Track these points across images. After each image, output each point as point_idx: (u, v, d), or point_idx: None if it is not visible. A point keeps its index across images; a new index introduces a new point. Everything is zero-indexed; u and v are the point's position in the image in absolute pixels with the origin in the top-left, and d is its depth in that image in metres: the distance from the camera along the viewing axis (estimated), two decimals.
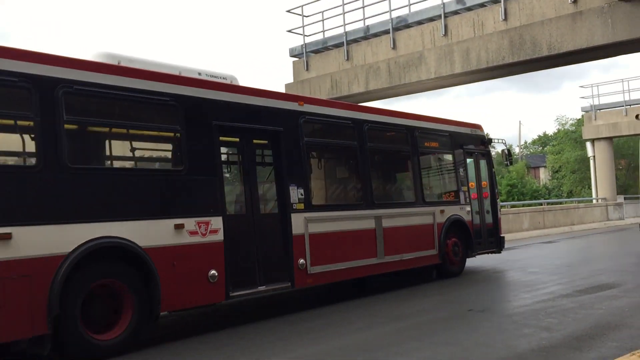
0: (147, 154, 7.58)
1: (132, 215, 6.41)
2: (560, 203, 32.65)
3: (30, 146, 5.82)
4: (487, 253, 12.33)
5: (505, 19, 14.23)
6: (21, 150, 5.86)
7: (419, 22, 16.29)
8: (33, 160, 5.84)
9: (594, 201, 30.55)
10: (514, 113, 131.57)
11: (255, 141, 8.18)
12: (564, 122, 51.45)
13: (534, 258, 14.69)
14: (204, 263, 6.99)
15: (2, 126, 5.87)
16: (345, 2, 17.80)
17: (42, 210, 5.74)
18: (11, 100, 5.81)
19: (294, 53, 19.28)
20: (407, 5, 16.74)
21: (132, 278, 6.34)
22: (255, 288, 7.67)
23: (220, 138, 7.46)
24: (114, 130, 6.85)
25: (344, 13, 17.88)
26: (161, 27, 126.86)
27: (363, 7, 17.66)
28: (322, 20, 18.39)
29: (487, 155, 12.52)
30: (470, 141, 11.96)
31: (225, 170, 7.81)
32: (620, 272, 11.00)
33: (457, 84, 18.10)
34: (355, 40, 17.66)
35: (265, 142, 8.35)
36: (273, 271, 7.89)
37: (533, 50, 13.64)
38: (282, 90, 18.98)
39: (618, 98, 30.39)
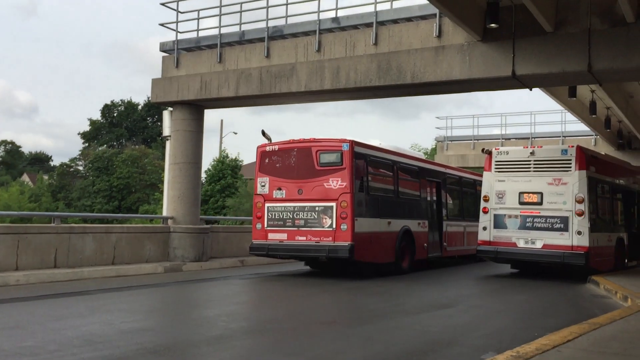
0: (412, 191, 15.78)
1: (410, 217, 15.09)
2: None
3: (391, 187, 14.72)
4: None
5: (376, 43, 14.78)
6: (391, 188, 14.70)
7: (294, 35, 16.42)
8: (392, 194, 14.65)
9: None
10: (376, 136, 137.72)
11: (431, 185, 16.87)
12: (418, 149, 54.72)
13: None
14: (423, 239, 15.74)
15: (378, 179, 14.40)
16: (222, 4, 17.54)
17: (394, 214, 14.35)
18: (386, 170, 14.70)
19: (164, 48, 18.60)
20: (284, 17, 16.85)
21: (409, 243, 14.92)
22: (433, 254, 16.39)
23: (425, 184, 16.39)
24: (404, 182, 15.40)
25: (220, 15, 17.59)
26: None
27: (240, 12, 17.50)
28: (197, 19, 17.95)
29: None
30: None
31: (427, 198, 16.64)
32: (456, 293, 11.73)
33: (325, 100, 18.46)
34: (230, 44, 17.42)
35: (435, 186, 17.05)
36: (436, 247, 16.70)
37: (398, 76, 14.26)
38: (149, 84, 18.32)
39: (468, 132, 32.81)
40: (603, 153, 18.66)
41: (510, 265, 16.61)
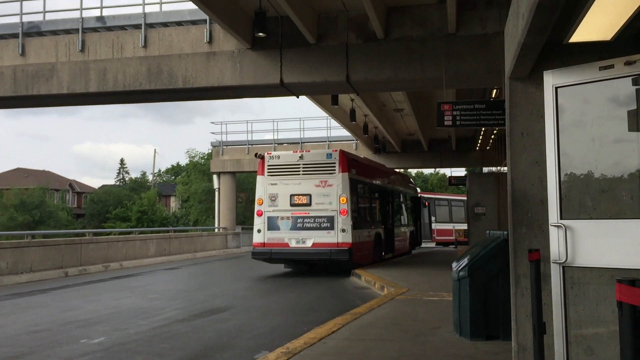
0: None
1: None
2: (186, 231, 34.07)
3: None
4: None
5: (145, 46, 14.34)
6: None
7: (54, 32, 15.21)
8: None
9: (216, 230, 32.77)
10: (149, 141, 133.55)
11: None
12: (193, 154, 54.42)
13: (156, 284, 14.88)
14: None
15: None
16: None
17: None
18: None
19: None
20: (41, 12, 15.52)
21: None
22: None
23: None
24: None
25: None
26: None
27: None
28: None
29: None
30: None
31: None
32: (232, 296, 11.91)
33: (92, 104, 17.41)
34: None
35: None
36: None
37: (170, 81, 14.03)
38: None
39: (242, 137, 33.52)
40: (362, 157, 20.47)
41: (284, 265, 17.36)
